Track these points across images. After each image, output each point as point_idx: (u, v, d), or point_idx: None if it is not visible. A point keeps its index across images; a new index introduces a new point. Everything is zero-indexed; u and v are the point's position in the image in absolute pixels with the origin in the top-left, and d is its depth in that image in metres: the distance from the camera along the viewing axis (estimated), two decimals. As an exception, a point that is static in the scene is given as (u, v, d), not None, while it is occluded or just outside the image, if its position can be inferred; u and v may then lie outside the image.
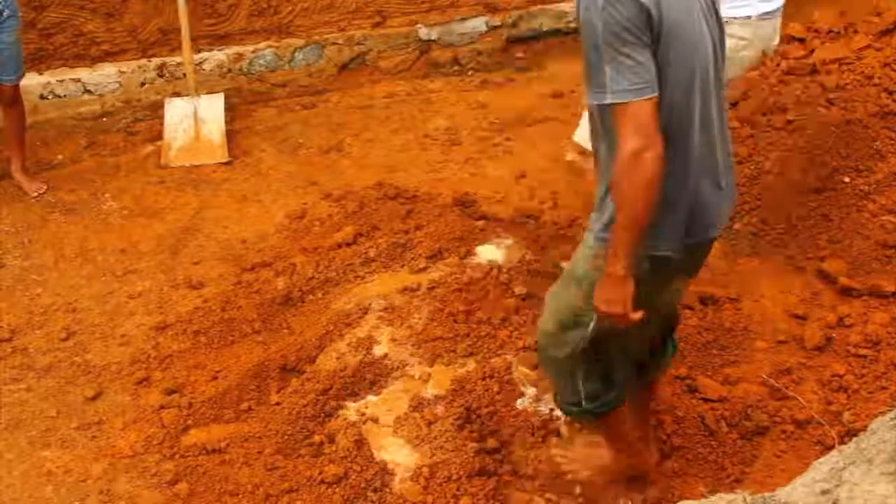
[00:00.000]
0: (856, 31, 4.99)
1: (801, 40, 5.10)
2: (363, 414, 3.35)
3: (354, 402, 3.42)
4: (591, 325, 2.57)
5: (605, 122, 2.41)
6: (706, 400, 3.48)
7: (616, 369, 2.77)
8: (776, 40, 3.44)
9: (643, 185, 2.26)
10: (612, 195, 2.37)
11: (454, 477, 3.07)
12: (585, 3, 2.25)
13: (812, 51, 4.97)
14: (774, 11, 3.33)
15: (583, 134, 3.22)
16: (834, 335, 3.78)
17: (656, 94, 2.26)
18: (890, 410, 1.84)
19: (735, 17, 3.27)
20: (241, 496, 3.17)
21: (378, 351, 3.57)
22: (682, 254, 2.51)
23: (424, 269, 3.98)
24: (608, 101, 2.25)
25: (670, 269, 2.55)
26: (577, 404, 2.81)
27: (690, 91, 2.37)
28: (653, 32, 2.24)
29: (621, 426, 2.96)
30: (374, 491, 3.09)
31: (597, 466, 3.04)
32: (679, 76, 2.33)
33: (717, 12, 2.49)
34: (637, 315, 2.45)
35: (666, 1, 2.25)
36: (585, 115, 3.23)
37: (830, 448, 2.99)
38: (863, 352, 3.66)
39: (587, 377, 2.73)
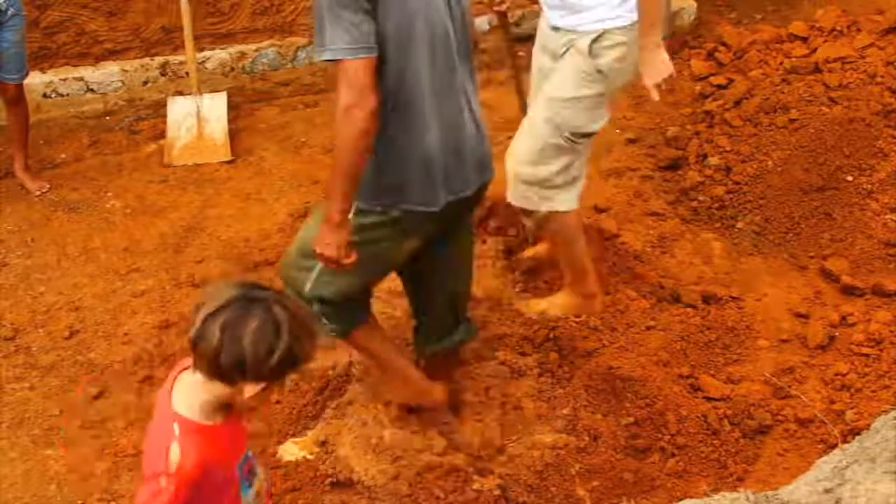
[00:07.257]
0: (859, 30, 4.99)
1: (804, 39, 5.09)
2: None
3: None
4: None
5: None
6: (709, 399, 3.48)
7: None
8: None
9: (353, 137, 2.46)
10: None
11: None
12: None
13: (815, 49, 4.96)
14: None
15: None
16: (837, 334, 3.78)
17: (372, 55, 2.45)
18: (893, 409, 1.84)
19: (617, 27, 3.26)
20: (243, 495, 3.17)
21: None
22: (431, 219, 2.71)
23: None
24: (326, 57, 2.44)
25: (415, 229, 2.74)
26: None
27: (412, 51, 2.53)
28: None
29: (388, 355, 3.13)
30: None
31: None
32: (400, 36, 2.50)
33: None
34: (349, 260, 2.61)
35: None
36: None
37: (833, 447, 2.98)
38: (866, 350, 3.66)
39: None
